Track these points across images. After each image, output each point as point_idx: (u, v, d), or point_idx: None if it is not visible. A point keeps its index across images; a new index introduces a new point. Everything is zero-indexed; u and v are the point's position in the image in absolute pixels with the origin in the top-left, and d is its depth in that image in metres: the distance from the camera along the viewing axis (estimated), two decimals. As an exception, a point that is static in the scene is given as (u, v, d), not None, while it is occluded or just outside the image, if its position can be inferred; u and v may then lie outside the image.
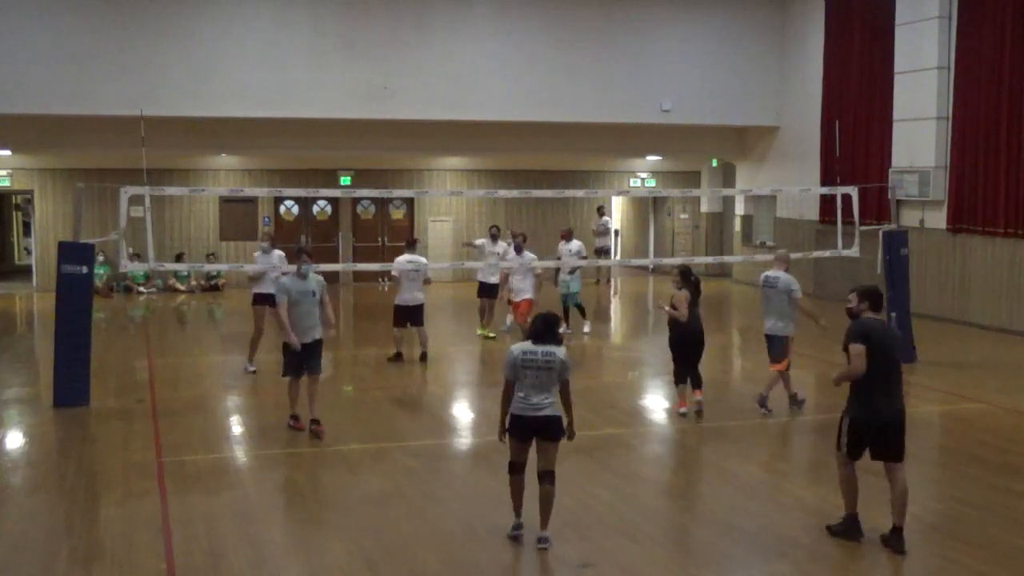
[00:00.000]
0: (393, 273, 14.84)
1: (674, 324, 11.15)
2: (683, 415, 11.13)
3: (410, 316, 14.34)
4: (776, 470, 9.17)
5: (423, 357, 14.47)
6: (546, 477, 7.33)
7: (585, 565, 7.04)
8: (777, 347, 11.32)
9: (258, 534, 7.73)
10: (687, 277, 11.26)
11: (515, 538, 7.44)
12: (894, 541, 7.28)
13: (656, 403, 12.40)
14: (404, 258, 14.41)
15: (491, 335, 16.22)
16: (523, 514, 7.49)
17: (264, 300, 13.33)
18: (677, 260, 25.54)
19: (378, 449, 10.01)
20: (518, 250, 15.44)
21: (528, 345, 7.31)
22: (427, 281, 14.56)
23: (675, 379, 11.35)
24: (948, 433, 11.01)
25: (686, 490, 8.94)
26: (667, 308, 11.20)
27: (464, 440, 10.77)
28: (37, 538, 7.59)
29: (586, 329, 17.03)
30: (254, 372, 13.63)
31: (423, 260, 14.66)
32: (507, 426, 7.39)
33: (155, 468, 9.30)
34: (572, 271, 16.52)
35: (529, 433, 7.33)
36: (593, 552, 7.28)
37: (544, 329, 7.34)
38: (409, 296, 14.29)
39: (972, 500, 8.51)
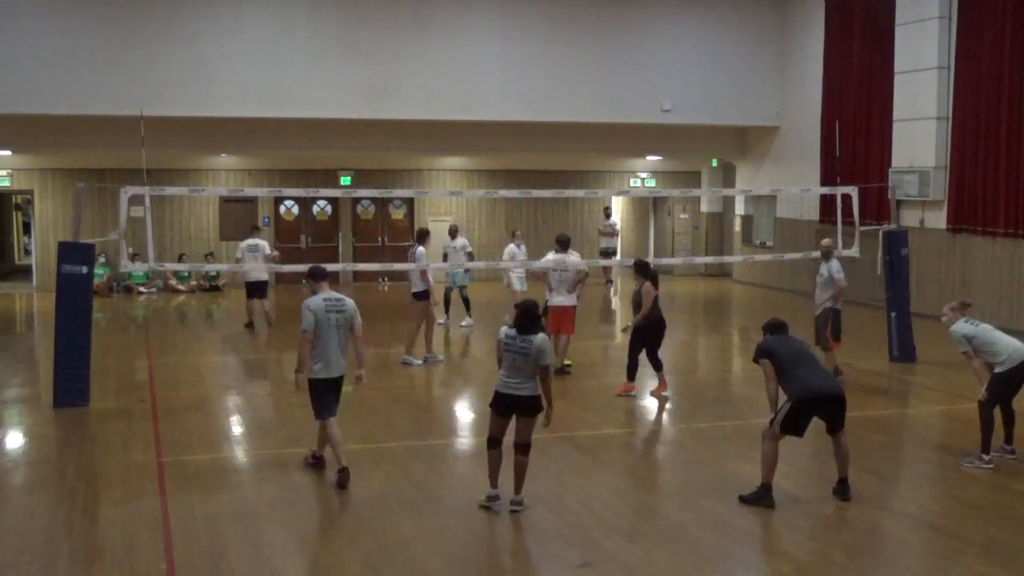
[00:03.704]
0: (237, 255, 17.75)
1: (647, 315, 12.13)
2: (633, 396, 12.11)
3: (256, 290, 17.29)
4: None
5: (267, 316, 17.32)
6: (521, 448, 8.03)
7: (585, 565, 7.04)
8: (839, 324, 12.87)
9: (258, 534, 7.73)
10: (645, 270, 12.25)
11: (488, 508, 8.02)
12: (841, 490, 8.38)
13: (656, 403, 12.40)
14: (245, 243, 17.45)
15: (567, 362, 13.65)
16: (499, 485, 8.10)
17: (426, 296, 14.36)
18: (677, 260, 25.74)
19: (378, 449, 10.01)
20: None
21: (512, 331, 7.97)
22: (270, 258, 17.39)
23: (633, 368, 12.27)
24: (948, 433, 11.01)
25: (686, 490, 8.94)
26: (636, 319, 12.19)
27: (464, 440, 10.77)
28: (37, 538, 7.59)
29: (464, 323, 17.72)
30: (420, 363, 14.25)
31: (264, 243, 17.41)
32: (490, 401, 8.13)
33: (155, 468, 9.30)
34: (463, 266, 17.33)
35: (508, 409, 7.99)
36: (593, 552, 7.28)
37: (526, 319, 7.94)
38: (253, 274, 17.06)
39: (972, 500, 8.51)
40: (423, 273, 14.29)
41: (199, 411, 11.75)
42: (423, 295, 14.37)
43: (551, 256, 13.62)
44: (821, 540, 7.64)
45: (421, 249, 14.41)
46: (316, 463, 9.15)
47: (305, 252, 24.39)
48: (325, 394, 8.85)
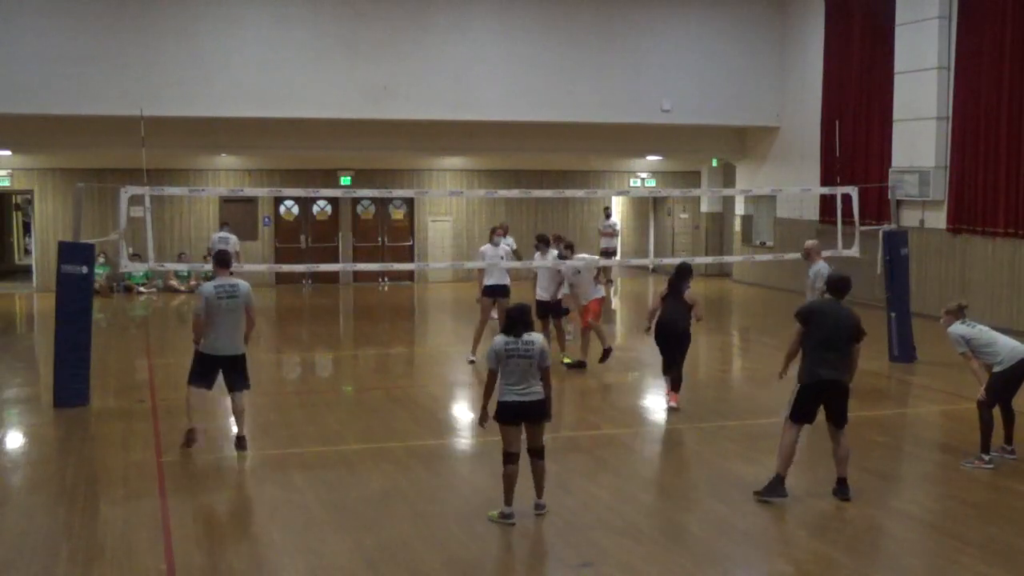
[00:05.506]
0: (209, 246, 19.89)
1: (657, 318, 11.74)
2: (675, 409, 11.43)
3: None
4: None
5: None
6: (538, 453, 7.87)
7: (585, 565, 7.04)
8: None
9: (258, 534, 7.73)
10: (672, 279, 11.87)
11: (510, 524, 7.71)
12: (840, 490, 8.36)
13: (656, 403, 12.40)
14: (216, 235, 19.65)
15: (567, 360, 14.07)
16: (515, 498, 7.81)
17: (493, 292, 14.14)
18: (677, 260, 25.67)
19: (378, 449, 10.01)
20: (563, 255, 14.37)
21: (508, 338, 7.73)
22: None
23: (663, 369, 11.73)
24: (948, 433, 11.01)
25: (686, 490, 8.94)
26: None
27: (464, 440, 10.76)
28: (37, 538, 7.59)
29: None
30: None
31: (234, 237, 19.58)
32: (496, 414, 7.75)
33: (155, 468, 9.30)
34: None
35: (517, 417, 7.74)
36: (593, 552, 7.27)
37: (518, 321, 7.76)
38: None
39: (972, 500, 8.51)
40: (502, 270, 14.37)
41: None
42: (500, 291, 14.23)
43: (581, 257, 14.36)
44: (821, 540, 7.64)
45: (484, 248, 14.46)
46: (189, 438, 9.78)
47: (305, 252, 24.41)
48: (208, 369, 9.68)
